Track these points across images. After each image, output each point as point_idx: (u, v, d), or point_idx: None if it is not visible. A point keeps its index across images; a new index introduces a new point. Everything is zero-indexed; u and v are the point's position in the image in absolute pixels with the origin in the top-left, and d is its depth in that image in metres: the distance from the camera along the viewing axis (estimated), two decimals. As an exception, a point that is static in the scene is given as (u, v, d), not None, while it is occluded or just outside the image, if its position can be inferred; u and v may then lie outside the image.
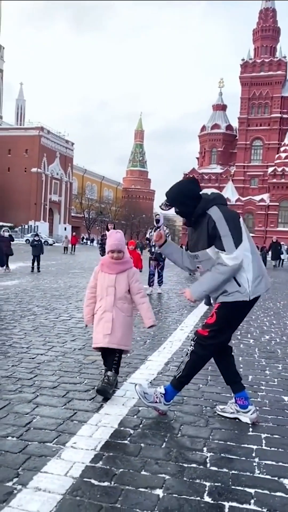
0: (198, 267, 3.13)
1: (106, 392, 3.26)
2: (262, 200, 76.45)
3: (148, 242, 10.42)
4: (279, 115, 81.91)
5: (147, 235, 10.47)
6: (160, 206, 3.19)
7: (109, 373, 3.35)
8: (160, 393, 3.01)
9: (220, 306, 2.94)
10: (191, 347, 2.99)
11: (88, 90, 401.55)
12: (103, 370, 3.65)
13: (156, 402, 3.00)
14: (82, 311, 6.89)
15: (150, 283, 10.22)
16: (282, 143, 78.64)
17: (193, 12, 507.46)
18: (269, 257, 28.16)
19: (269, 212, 76.14)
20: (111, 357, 3.43)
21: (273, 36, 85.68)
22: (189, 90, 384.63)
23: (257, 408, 3.18)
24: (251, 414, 3.00)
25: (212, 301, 3.23)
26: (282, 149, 77.28)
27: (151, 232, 10.02)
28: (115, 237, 3.54)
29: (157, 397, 3.01)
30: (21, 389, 3.41)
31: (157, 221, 9.01)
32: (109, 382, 3.29)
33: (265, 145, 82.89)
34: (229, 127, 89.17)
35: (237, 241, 2.82)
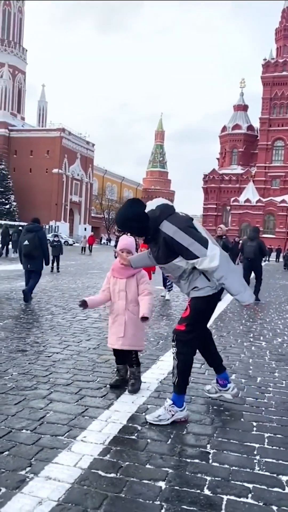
0: (168, 276, 3.25)
1: (137, 389, 3.55)
2: (283, 201, 75.56)
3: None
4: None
5: None
6: (114, 233, 3.34)
7: (132, 369, 3.64)
8: (169, 405, 3.01)
9: (192, 300, 3.02)
10: (174, 348, 3.04)
11: (110, 91, 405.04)
12: (115, 369, 3.81)
13: (173, 415, 2.99)
14: (98, 311, 7.07)
15: (167, 287, 9.50)
16: (304, 143, 77.53)
17: (216, 13, 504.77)
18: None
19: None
20: (129, 357, 3.67)
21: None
22: (211, 91, 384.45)
23: (261, 407, 3.28)
24: (232, 391, 3.38)
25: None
26: (304, 149, 76.20)
27: None
28: (126, 239, 3.73)
29: (170, 411, 2.99)
30: (36, 386, 3.58)
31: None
32: (135, 377, 3.62)
33: (286, 146, 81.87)
34: (250, 127, 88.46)
35: (203, 243, 2.87)
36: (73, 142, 73.69)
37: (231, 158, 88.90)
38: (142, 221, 2.96)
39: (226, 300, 9.57)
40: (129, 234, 3.37)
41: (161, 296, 9.65)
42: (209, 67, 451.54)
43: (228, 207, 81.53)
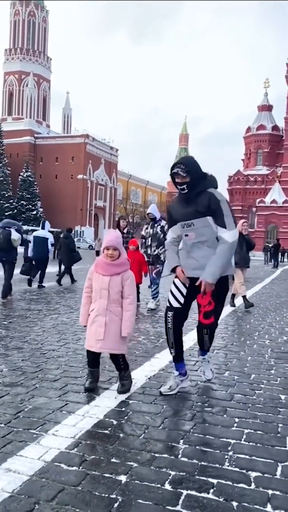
0: (186, 235, 3.36)
1: (127, 390, 3.40)
2: (310, 201, 73.92)
3: (143, 241, 8.00)
4: None
5: (143, 232, 8.08)
6: (176, 172, 3.28)
7: (121, 373, 3.44)
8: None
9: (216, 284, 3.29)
10: (206, 330, 3.51)
11: (141, 97, 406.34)
12: (105, 367, 3.73)
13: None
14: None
15: (152, 293, 8.06)
16: None
17: (246, 17, 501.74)
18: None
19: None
20: (116, 362, 3.44)
21: None
22: (241, 93, 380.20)
23: (248, 404, 3.18)
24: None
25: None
26: None
27: (147, 228, 7.96)
28: (111, 234, 3.47)
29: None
30: (23, 381, 3.57)
31: (153, 219, 8.51)
32: (125, 379, 3.44)
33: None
34: (275, 127, 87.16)
35: (235, 221, 3.29)
36: (97, 148, 74.48)
37: (256, 158, 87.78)
38: (202, 175, 3.33)
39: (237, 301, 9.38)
40: (176, 169, 3.28)
41: (148, 309, 7.75)
42: (239, 70, 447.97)
43: (254, 209, 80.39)
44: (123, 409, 3.07)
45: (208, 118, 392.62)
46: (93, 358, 3.46)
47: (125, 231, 8.88)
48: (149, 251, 7.84)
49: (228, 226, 3.23)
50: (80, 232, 64.54)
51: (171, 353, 3.51)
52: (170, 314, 3.40)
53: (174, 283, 3.48)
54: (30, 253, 10.69)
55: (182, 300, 3.40)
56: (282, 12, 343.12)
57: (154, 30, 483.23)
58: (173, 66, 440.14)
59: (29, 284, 10.22)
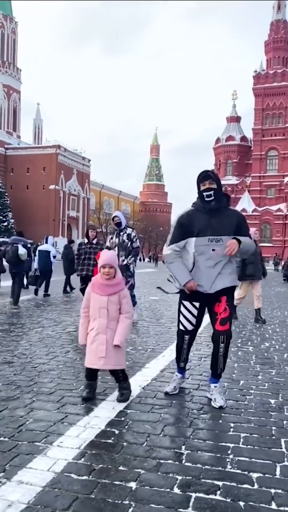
0: (213, 250, 3.42)
1: (127, 399, 3.51)
2: (279, 210, 75.98)
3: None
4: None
5: (107, 243, 7.67)
6: (208, 175, 3.48)
7: (120, 384, 3.57)
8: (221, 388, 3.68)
9: (230, 295, 3.57)
10: (222, 344, 3.52)
11: (114, 109, 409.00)
12: (99, 379, 3.79)
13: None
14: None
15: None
16: (298, 152, 78.28)
17: (216, 31, 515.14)
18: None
19: (286, 221, 75.52)
20: (116, 376, 3.57)
21: (285, 47, 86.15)
22: (212, 105, 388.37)
23: (240, 409, 3.32)
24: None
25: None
26: (298, 158, 76.89)
27: (112, 238, 7.46)
28: (107, 253, 3.65)
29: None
30: (19, 395, 3.61)
31: (118, 224, 8.07)
32: (124, 388, 3.56)
33: (280, 155, 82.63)
34: (243, 138, 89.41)
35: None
36: (69, 158, 74.35)
37: (226, 169, 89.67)
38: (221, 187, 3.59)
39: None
40: (209, 182, 3.47)
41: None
42: (210, 82, 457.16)
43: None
44: (123, 418, 3.16)
45: (180, 129, 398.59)
46: (92, 373, 3.58)
47: (94, 241, 8.36)
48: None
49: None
50: (53, 243, 63.98)
51: (179, 365, 3.78)
52: (186, 337, 3.65)
53: (184, 305, 3.59)
54: (36, 266, 11.78)
55: (194, 321, 3.59)
56: (250, 27, 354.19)
57: (126, 42, 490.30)
58: (145, 78, 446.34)
59: (36, 293, 11.16)
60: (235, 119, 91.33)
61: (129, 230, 7.34)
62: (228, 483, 2.29)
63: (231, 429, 3.01)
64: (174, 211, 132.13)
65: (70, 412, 3.27)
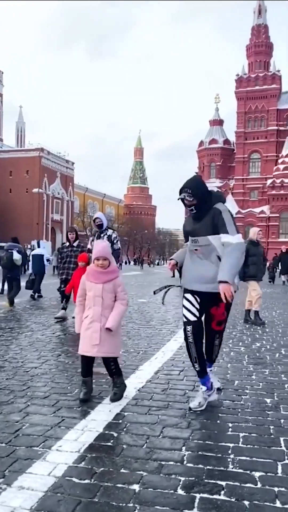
0: (196, 250, 3.51)
1: (119, 398, 3.53)
2: (262, 212, 76.81)
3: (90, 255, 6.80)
4: (276, 127, 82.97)
5: (89, 245, 7.48)
6: (183, 198, 3.42)
7: (113, 379, 3.60)
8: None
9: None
10: (217, 341, 3.61)
11: (98, 112, 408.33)
12: (85, 379, 3.75)
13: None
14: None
15: None
16: (280, 155, 79.42)
17: (199, 36, 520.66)
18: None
19: (269, 223, 76.40)
20: (108, 367, 3.58)
21: (266, 51, 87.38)
22: (197, 109, 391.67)
23: (237, 409, 3.34)
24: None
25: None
26: (280, 161, 78.04)
27: (93, 240, 7.31)
28: (100, 245, 3.65)
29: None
30: (13, 400, 3.55)
31: (100, 226, 7.89)
32: (117, 385, 3.58)
33: (263, 158, 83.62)
34: (226, 141, 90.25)
35: (237, 230, 3.44)
36: (53, 161, 73.97)
37: (210, 172, 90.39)
38: (208, 194, 3.47)
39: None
40: (183, 195, 3.41)
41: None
42: (194, 86, 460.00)
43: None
44: (120, 421, 3.13)
45: (164, 132, 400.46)
46: (87, 364, 3.57)
47: (75, 244, 8.17)
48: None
49: (230, 233, 3.34)
50: (44, 246, 63.48)
51: (195, 368, 3.48)
52: (189, 328, 3.43)
53: (185, 297, 3.55)
54: (30, 270, 12.27)
55: (197, 313, 3.48)
56: (233, 31, 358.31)
57: (110, 46, 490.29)
58: (130, 81, 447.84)
59: (33, 298, 11.44)
60: (218, 122, 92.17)
61: (110, 232, 7.25)
62: (231, 483, 2.29)
63: (230, 429, 3.01)
64: (158, 214, 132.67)
65: (67, 415, 3.23)
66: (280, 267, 22.28)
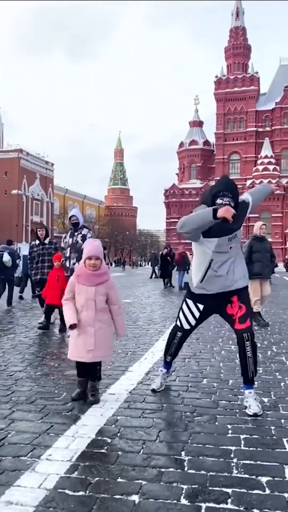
0: (230, 248, 3.18)
1: (98, 400, 3.39)
2: (242, 212, 77.31)
3: (63, 253, 6.80)
4: (255, 129, 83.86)
5: (62, 244, 7.12)
6: (227, 203, 3.03)
7: (93, 383, 3.43)
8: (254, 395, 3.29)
9: (244, 290, 3.34)
10: (248, 342, 3.22)
11: (79, 114, 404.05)
12: (80, 379, 3.57)
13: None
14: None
15: None
16: (259, 156, 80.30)
17: (179, 36, 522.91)
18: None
19: (249, 224, 77.01)
20: (93, 371, 3.44)
21: (245, 53, 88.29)
22: (178, 111, 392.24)
23: (235, 409, 3.19)
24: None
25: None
26: (259, 162, 78.89)
27: (65, 237, 6.80)
28: (92, 243, 3.44)
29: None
30: (-3, 406, 3.33)
31: (76, 224, 7.24)
32: (95, 389, 3.43)
33: (242, 159, 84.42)
34: (206, 142, 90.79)
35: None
36: (32, 162, 73.17)
37: (190, 173, 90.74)
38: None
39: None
40: (226, 200, 3.05)
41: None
42: (175, 88, 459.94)
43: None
44: (113, 426, 2.94)
45: (145, 134, 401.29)
46: (83, 367, 3.43)
47: (46, 241, 7.54)
48: (67, 264, 6.54)
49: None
50: (16, 248, 62.64)
51: (166, 358, 3.67)
52: (179, 334, 3.49)
53: (187, 303, 3.41)
54: (20, 270, 12.71)
55: (193, 323, 3.41)
56: (212, 32, 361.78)
57: (90, 48, 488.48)
58: (110, 84, 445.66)
59: (21, 298, 11.97)
60: (198, 123, 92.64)
61: (84, 231, 6.72)
62: (237, 490, 2.12)
63: (229, 431, 2.85)
64: (139, 215, 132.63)
65: (55, 421, 3.02)
66: None
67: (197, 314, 3.40)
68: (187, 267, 15.85)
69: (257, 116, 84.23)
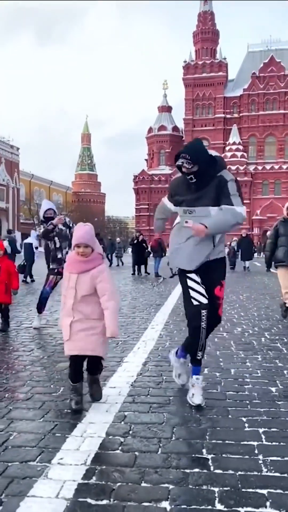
0: (186, 222, 3.13)
1: (100, 395, 3.16)
2: (211, 198, 77.89)
3: (49, 245, 6.15)
4: (223, 115, 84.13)
5: (36, 233, 6.75)
6: (180, 164, 3.03)
7: (95, 376, 3.14)
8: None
9: (223, 265, 3.29)
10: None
11: (47, 99, 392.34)
12: (74, 385, 3.29)
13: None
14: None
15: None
16: (227, 142, 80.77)
17: (150, 23, 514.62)
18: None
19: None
20: (95, 365, 3.11)
21: (213, 38, 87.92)
22: (146, 96, 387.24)
23: (244, 400, 3.07)
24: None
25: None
26: (227, 148, 79.37)
27: (40, 229, 6.30)
28: (81, 229, 3.02)
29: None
30: (-9, 404, 3.07)
31: (51, 218, 6.51)
32: (97, 381, 3.17)
33: (210, 145, 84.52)
34: (175, 128, 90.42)
35: (242, 202, 3.08)
36: (-4, 146, 70.75)
37: (159, 159, 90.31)
38: (210, 157, 3.07)
39: (175, 296, 9.41)
40: (181, 160, 3.00)
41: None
42: (143, 73, 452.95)
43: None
44: (122, 422, 2.76)
45: (113, 120, 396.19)
46: (75, 367, 3.04)
47: None
48: (59, 255, 5.98)
49: (235, 204, 3.01)
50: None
51: (197, 356, 3.16)
52: (204, 312, 3.05)
53: (190, 278, 3.15)
54: (22, 257, 13.59)
55: (206, 294, 3.11)
56: (181, 16, 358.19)
57: (60, 33, 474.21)
58: (79, 69, 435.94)
59: (25, 282, 12.90)
60: (167, 109, 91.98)
61: (63, 217, 6.28)
62: (273, 491, 1.99)
63: (246, 424, 2.72)
64: (108, 202, 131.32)
65: (58, 420, 2.81)
66: (240, 253, 20.89)
67: (202, 285, 3.14)
68: (163, 253, 15.74)
69: (225, 102, 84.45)
